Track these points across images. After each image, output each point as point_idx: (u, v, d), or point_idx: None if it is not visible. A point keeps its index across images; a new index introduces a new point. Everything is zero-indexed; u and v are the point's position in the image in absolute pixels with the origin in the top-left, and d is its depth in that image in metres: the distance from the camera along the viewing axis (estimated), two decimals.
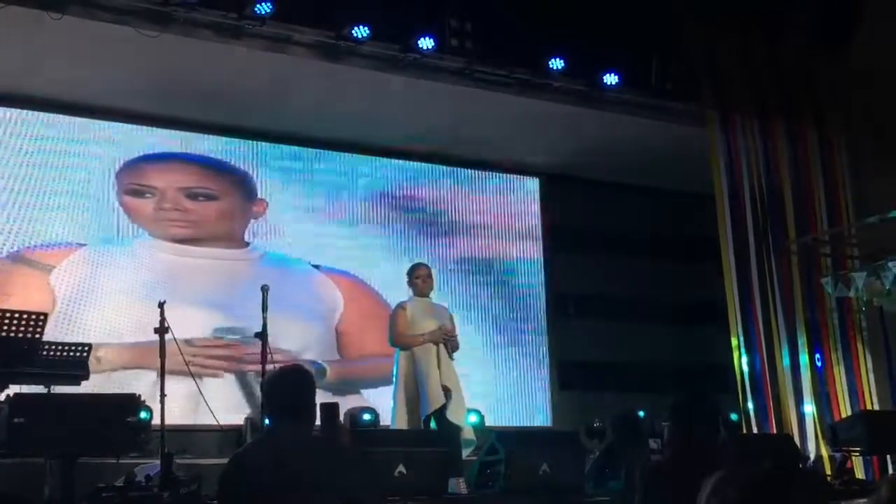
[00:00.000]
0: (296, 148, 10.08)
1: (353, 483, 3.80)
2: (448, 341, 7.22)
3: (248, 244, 9.75)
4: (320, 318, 9.76)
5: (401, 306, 7.44)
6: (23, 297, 8.39)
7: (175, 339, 6.84)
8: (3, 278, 8.63)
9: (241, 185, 9.80)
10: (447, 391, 7.12)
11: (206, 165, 9.66)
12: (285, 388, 3.96)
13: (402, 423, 7.12)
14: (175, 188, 9.46)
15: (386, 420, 7.96)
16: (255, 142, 9.86)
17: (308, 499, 3.64)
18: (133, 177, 9.36)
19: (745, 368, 9.55)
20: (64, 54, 8.09)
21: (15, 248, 8.78)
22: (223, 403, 8.49)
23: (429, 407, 7.03)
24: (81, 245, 9.04)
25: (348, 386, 9.56)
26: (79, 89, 8.84)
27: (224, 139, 9.79)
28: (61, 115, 9.10)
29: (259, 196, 9.84)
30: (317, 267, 9.91)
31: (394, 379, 7.30)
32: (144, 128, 9.43)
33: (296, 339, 9.39)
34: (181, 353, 6.98)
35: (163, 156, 9.48)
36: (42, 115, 9.03)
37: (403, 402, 7.16)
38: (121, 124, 9.34)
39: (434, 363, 7.13)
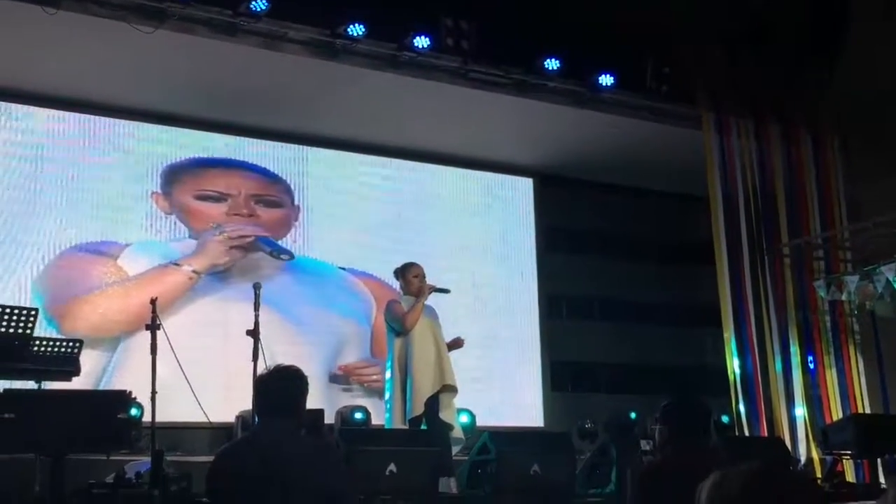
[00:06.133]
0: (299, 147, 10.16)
1: (334, 480, 3.83)
2: (440, 291, 7.30)
3: None
4: (359, 316, 9.97)
5: (395, 301, 7.38)
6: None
7: (167, 336, 6.82)
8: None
9: (288, 192, 10.08)
10: (451, 389, 7.11)
11: (264, 173, 9.96)
12: (276, 386, 3.97)
13: (399, 413, 7.07)
14: (247, 194, 9.79)
15: (378, 420, 7.93)
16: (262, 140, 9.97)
17: (289, 494, 3.67)
18: (200, 182, 9.61)
19: (737, 371, 9.56)
20: (61, 49, 8.05)
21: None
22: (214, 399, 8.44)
23: (425, 390, 6.99)
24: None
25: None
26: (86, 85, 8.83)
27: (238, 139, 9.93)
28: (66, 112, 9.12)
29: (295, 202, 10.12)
30: (342, 269, 10.12)
31: (388, 374, 7.24)
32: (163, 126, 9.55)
33: (332, 336, 9.79)
34: (172, 351, 6.95)
35: (224, 161, 9.77)
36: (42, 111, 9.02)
37: (399, 394, 7.11)
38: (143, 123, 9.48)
39: (433, 351, 7.11)
